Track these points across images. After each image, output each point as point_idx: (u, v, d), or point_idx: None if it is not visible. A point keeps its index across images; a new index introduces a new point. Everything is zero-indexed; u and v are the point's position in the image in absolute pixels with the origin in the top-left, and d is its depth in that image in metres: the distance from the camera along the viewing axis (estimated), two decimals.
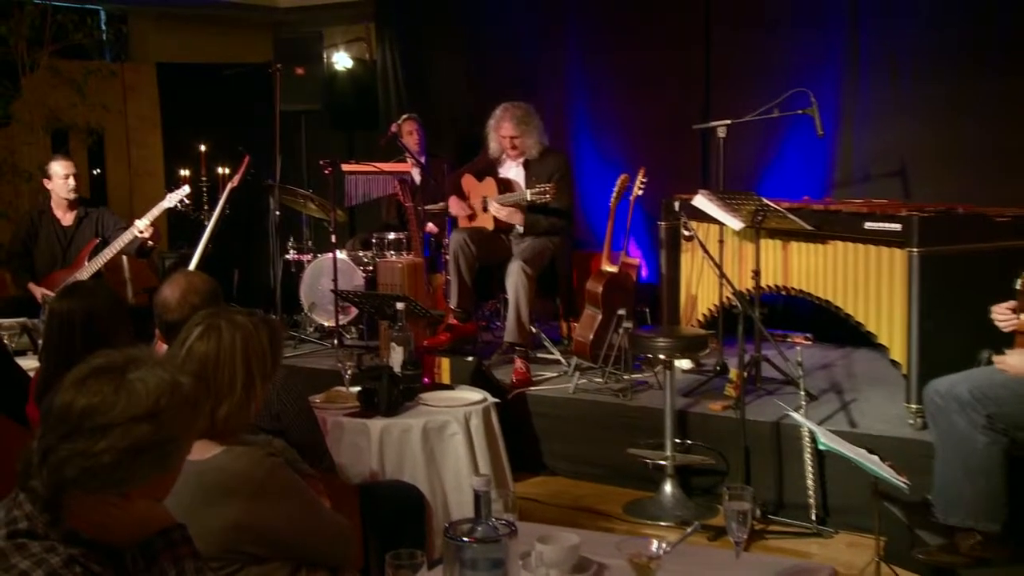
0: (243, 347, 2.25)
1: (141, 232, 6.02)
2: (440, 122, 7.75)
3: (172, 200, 6.22)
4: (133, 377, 1.57)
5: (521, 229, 5.78)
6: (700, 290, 5.66)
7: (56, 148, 7.94)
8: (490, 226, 5.88)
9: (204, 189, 6.92)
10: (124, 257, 6.31)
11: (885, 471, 3.01)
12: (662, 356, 4.42)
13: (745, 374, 4.73)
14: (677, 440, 4.48)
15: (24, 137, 7.85)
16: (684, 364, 5.35)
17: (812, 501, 4.17)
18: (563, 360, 5.63)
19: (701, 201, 4.96)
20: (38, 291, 5.99)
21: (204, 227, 6.43)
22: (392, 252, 6.37)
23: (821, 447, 3.17)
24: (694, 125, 5.75)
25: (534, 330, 5.69)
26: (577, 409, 5.06)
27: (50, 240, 6.23)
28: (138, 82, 8.75)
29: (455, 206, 6.03)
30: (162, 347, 3.10)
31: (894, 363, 4.55)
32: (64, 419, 1.54)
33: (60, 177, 6.14)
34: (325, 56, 8.18)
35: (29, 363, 3.95)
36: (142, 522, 1.64)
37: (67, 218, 6.27)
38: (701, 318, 5.66)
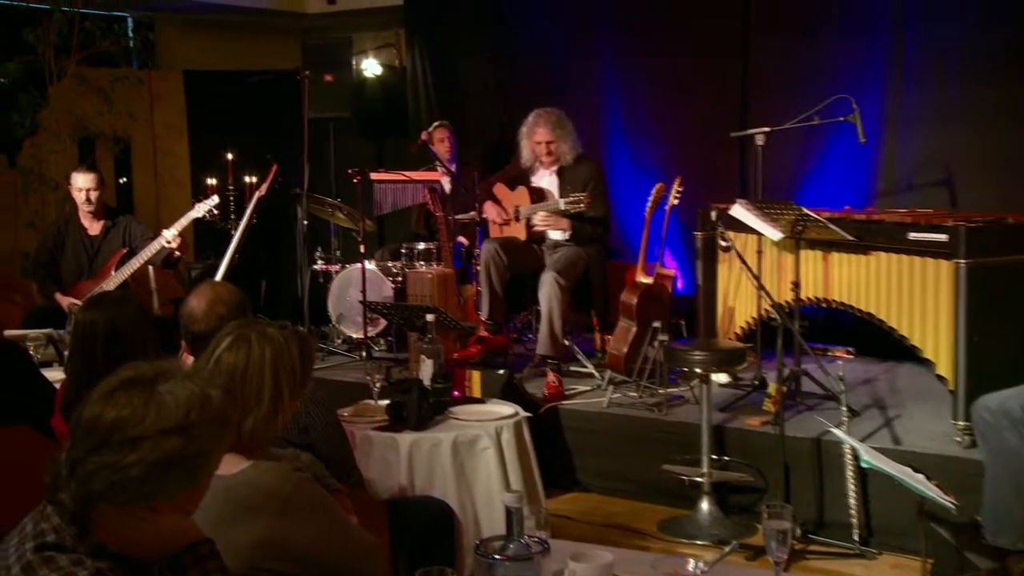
0: (272, 360, 2.26)
1: (169, 243, 6.07)
2: (470, 130, 7.77)
3: (201, 210, 6.27)
4: (163, 389, 1.58)
5: (566, 236, 5.76)
6: (738, 302, 5.63)
7: (83, 157, 8.04)
8: (522, 236, 5.89)
9: (231, 198, 6.98)
10: (150, 267, 6.37)
11: (931, 490, 2.97)
12: (698, 370, 4.40)
13: (784, 389, 4.70)
14: (714, 456, 4.46)
15: (51, 146, 7.95)
16: (721, 378, 5.32)
17: (855, 521, 4.13)
18: (597, 373, 5.62)
19: (739, 211, 4.94)
20: (64, 301, 6.05)
21: (231, 237, 6.48)
22: (422, 262, 6.39)
23: (864, 465, 3.14)
24: (731, 133, 5.73)
25: (567, 343, 5.68)
26: (611, 424, 5.04)
27: (76, 249, 6.29)
28: (165, 90, 8.85)
29: (490, 210, 6.03)
30: (188, 358, 3.13)
31: (940, 378, 4.50)
32: (93, 431, 1.55)
33: (76, 189, 6.21)
34: (354, 63, 8.23)
35: (55, 374, 3.99)
36: (170, 536, 1.66)
37: (94, 227, 6.33)
38: (739, 331, 5.63)
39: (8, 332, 5.08)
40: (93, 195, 6.20)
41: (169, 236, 6.06)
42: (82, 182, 6.20)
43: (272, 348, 2.27)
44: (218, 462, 1.66)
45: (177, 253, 6.18)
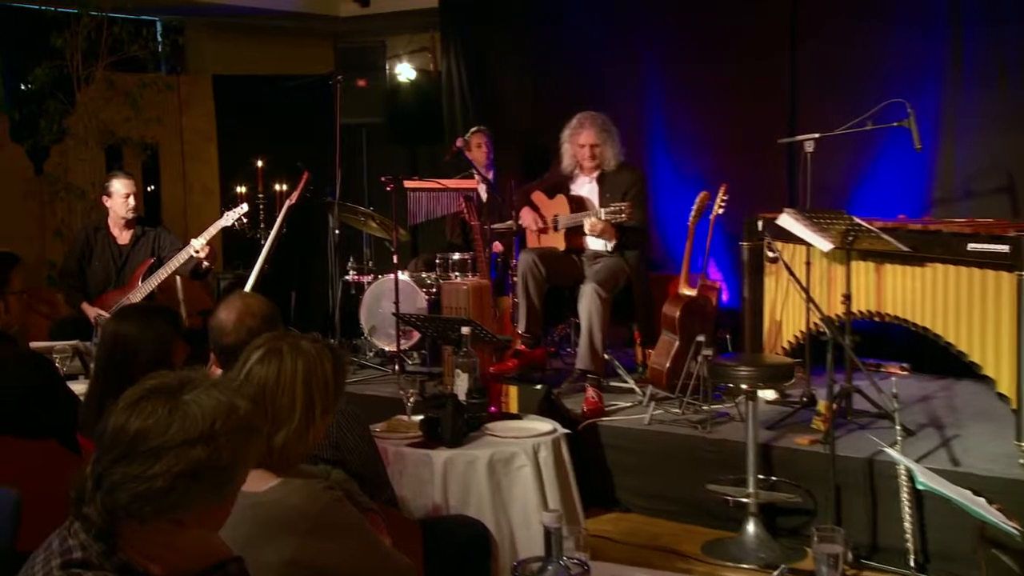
0: (305, 374, 2.27)
1: (197, 252, 6.13)
2: (507, 136, 7.78)
3: (230, 219, 6.33)
4: (188, 399, 1.59)
5: (609, 246, 5.74)
6: (785, 315, 5.59)
7: (110, 164, 8.14)
8: (561, 246, 5.88)
9: (261, 207, 7.03)
10: (178, 278, 6.44)
11: (993, 515, 2.93)
12: (744, 386, 4.37)
13: (835, 406, 4.65)
14: (761, 476, 4.42)
15: (78, 153, 8.06)
16: (768, 395, 5.29)
17: (910, 546, 4.07)
18: (638, 389, 5.60)
19: (787, 220, 4.91)
20: (91, 311, 6.11)
21: (261, 247, 6.53)
22: (457, 273, 6.40)
23: (920, 487, 3.10)
24: (779, 139, 5.70)
25: (607, 357, 5.66)
26: (653, 442, 5.02)
27: (104, 258, 6.36)
28: (194, 95, 8.95)
29: (527, 217, 6.03)
30: (216, 371, 3.15)
31: (1001, 397, 4.44)
32: (117, 442, 1.57)
33: (120, 196, 6.28)
34: (388, 67, 8.28)
35: (81, 387, 4.02)
36: (198, 554, 1.66)
37: (123, 236, 6.40)
38: (786, 345, 5.59)
39: (34, 344, 5.15)
40: (135, 200, 6.32)
41: (197, 246, 6.12)
42: (124, 187, 6.30)
43: (305, 362, 2.28)
44: (245, 475, 1.67)
45: (206, 263, 6.24)
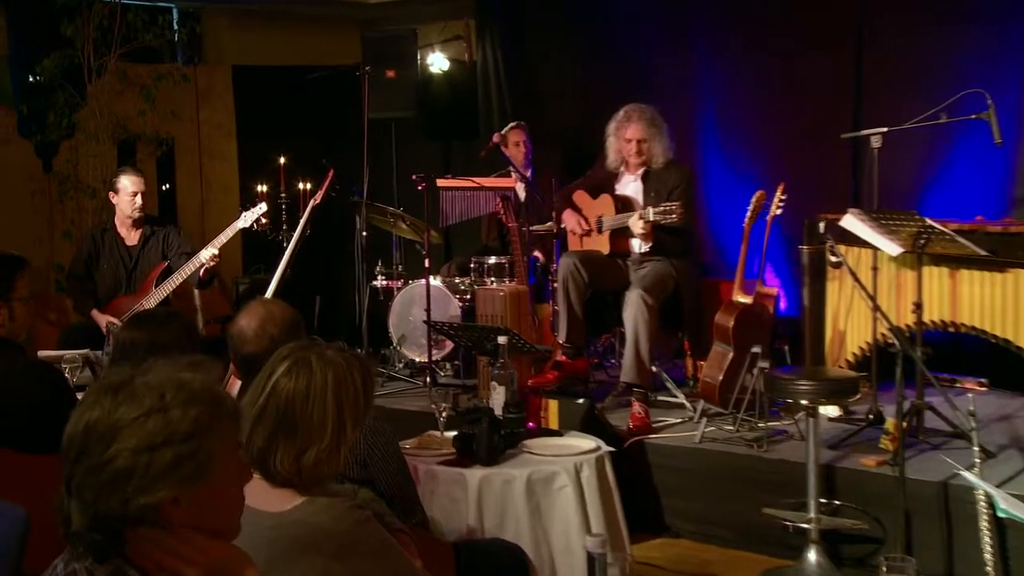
0: (335, 386, 2.28)
1: (204, 264, 6.16)
2: (547, 132, 7.78)
3: (247, 219, 6.36)
4: (137, 382, 1.64)
5: (646, 248, 5.73)
6: (849, 325, 5.55)
7: (122, 160, 8.21)
8: (605, 249, 5.87)
9: (283, 206, 7.06)
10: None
11: None
12: (804, 401, 4.33)
13: (905, 424, 4.61)
14: (823, 500, 4.39)
15: (89, 148, 8.14)
16: (830, 411, 5.26)
17: None
18: (688, 404, 5.58)
19: (851, 222, 4.88)
20: (102, 319, 6.16)
21: (283, 249, 6.56)
22: (493, 279, 6.41)
23: (1000, 514, 3.06)
24: (843, 134, 5.67)
25: (655, 369, 5.64)
26: (704, 461, 5.00)
27: (113, 261, 6.41)
28: (212, 87, 9.02)
29: (569, 220, 6.02)
30: (236, 383, 3.17)
31: None
32: (72, 444, 1.62)
33: (127, 193, 6.33)
34: (419, 57, 8.30)
35: None
36: (220, 572, 1.67)
37: (132, 237, 6.44)
38: (851, 358, 5.55)
39: (42, 353, 5.20)
40: (143, 199, 6.37)
41: (205, 257, 6.15)
42: (132, 185, 6.34)
43: (334, 373, 2.29)
44: (223, 461, 1.68)
45: (206, 270, 6.24)
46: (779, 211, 5.50)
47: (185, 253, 6.33)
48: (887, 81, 6.44)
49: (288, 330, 3.01)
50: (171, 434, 1.60)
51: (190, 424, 1.62)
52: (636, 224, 5.57)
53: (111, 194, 6.44)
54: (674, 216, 5.42)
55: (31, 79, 8.09)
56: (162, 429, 1.60)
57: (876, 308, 4.75)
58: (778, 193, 5.50)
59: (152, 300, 6.19)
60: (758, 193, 5.54)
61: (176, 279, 6.23)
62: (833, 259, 5.36)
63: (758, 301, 5.52)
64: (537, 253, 6.77)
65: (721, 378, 5.38)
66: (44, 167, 8.30)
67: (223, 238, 6.29)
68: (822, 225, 5.44)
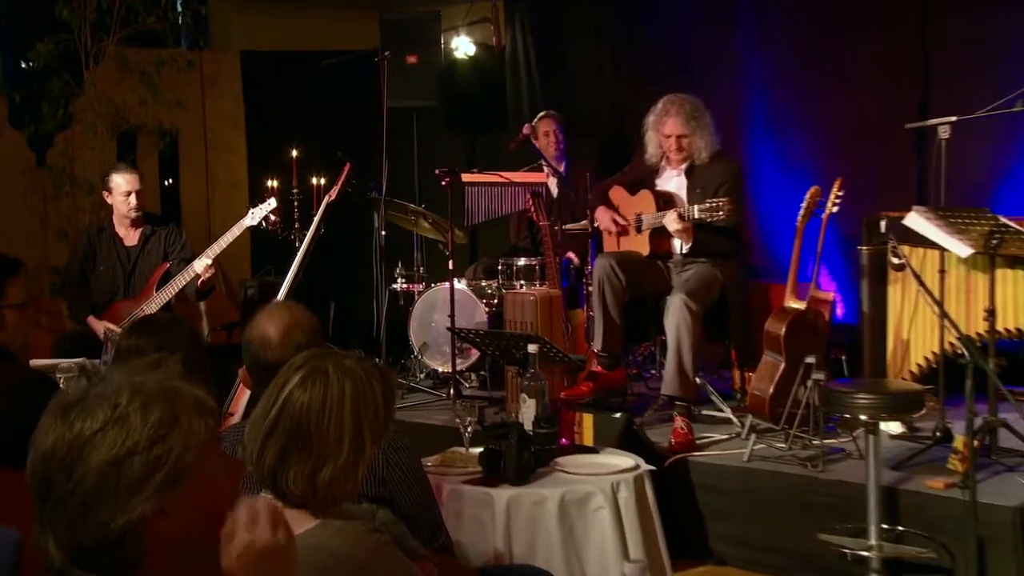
0: (353, 398, 2.27)
1: (199, 275, 6.18)
2: (581, 122, 7.78)
3: (254, 217, 6.38)
4: (90, 397, 1.62)
5: (685, 249, 5.71)
6: (914, 333, 5.52)
7: (123, 154, 8.26)
8: (644, 250, 5.86)
9: (295, 203, 7.07)
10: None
11: None
12: (864, 417, 4.32)
13: (976, 443, 4.57)
14: (885, 526, 4.36)
15: (86, 141, 8.20)
16: (893, 428, 5.23)
17: None
18: (735, 419, 5.57)
19: (916, 220, 4.84)
20: (99, 325, 6.20)
21: (294, 250, 6.58)
22: (522, 281, 6.41)
23: None
24: (907, 123, 5.63)
25: (699, 381, 5.63)
26: (753, 482, 4.98)
27: (110, 263, 6.44)
28: (219, 74, 9.06)
29: (603, 216, 6.01)
30: (243, 394, 3.18)
31: None
32: (34, 479, 1.61)
33: (121, 192, 6.35)
34: (443, 41, 8.32)
35: None
36: None
37: (131, 237, 6.48)
38: (915, 369, 5.51)
39: (35, 362, 5.23)
40: (138, 198, 6.37)
41: (199, 268, 6.17)
42: (126, 183, 6.36)
43: (352, 384, 2.28)
44: (199, 455, 1.65)
45: (203, 281, 6.26)
46: (835, 208, 5.47)
47: (184, 259, 6.35)
48: (956, 64, 6.41)
49: (313, 339, 3.04)
50: (134, 444, 1.58)
51: (152, 428, 1.60)
52: (672, 221, 5.56)
53: (105, 193, 6.47)
54: (722, 213, 5.40)
55: (23, 65, 8.15)
56: (123, 440, 1.58)
57: (943, 315, 4.71)
58: (834, 189, 5.47)
59: (153, 305, 6.22)
60: (812, 189, 5.50)
61: (172, 287, 6.26)
62: (895, 261, 5.33)
63: (812, 307, 5.49)
64: (570, 254, 6.76)
65: (772, 391, 5.35)
66: (37, 160, 8.36)
67: (223, 243, 6.29)
68: (883, 224, 5.42)
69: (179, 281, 6.25)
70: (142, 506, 1.58)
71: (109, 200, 6.43)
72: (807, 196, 5.50)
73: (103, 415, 1.59)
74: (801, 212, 5.49)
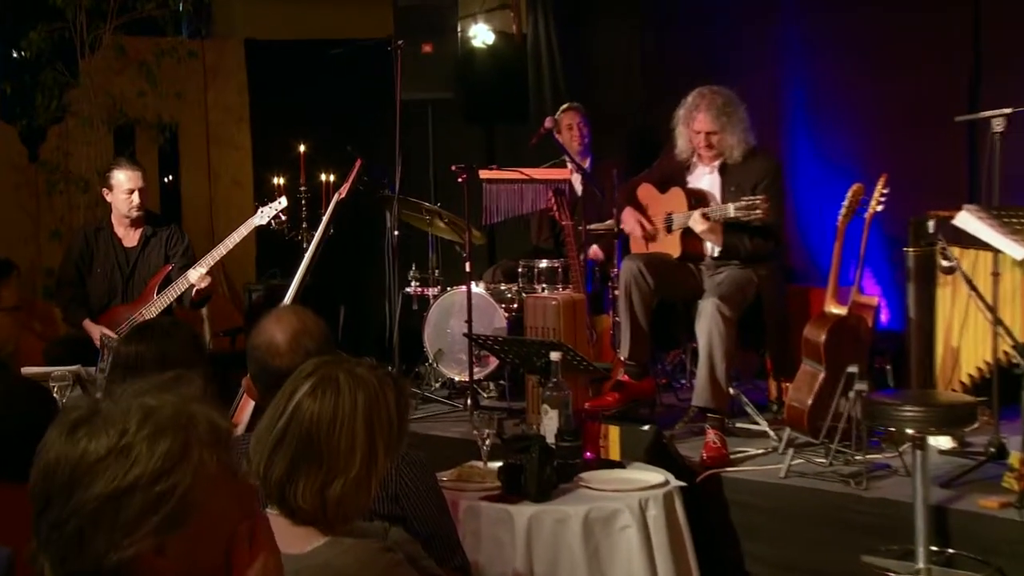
0: (366, 408, 2.28)
1: (194, 285, 6.19)
2: (608, 115, 7.78)
3: (264, 216, 6.41)
4: (98, 415, 1.61)
5: (716, 251, 5.71)
6: (964, 341, 5.49)
7: (119, 148, 8.30)
8: (675, 252, 5.85)
9: (303, 202, 7.09)
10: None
11: None
12: (911, 431, 4.30)
13: None
14: (934, 548, 4.34)
15: (81, 135, 8.24)
16: (942, 443, 5.20)
17: None
18: (772, 433, 5.55)
19: (967, 219, 4.83)
20: (96, 330, 6.22)
21: (302, 251, 6.59)
22: (544, 285, 6.41)
23: None
24: (957, 116, 5.62)
25: (733, 391, 5.62)
26: (791, 499, 4.96)
27: (108, 265, 6.47)
28: (222, 64, 9.10)
29: (629, 219, 6.02)
30: (248, 404, 3.19)
31: None
32: (34, 494, 1.60)
33: (123, 190, 6.37)
34: (460, 29, 8.33)
35: None
36: None
37: (131, 237, 6.50)
38: (966, 380, 5.48)
39: (26, 369, 5.25)
40: (141, 196, 6.39)
41: (194, 278, 6.19)
42: (129, 180, 6.37)
43: (365, 393, 2.29)
44: (209, 493, 1.63)
45: (198, 291, 6.29)
46: (880, 207, 5.45)
47: (186, 265, 6.37)
48: (1011, 51, 6.38)
49: (323, 345, 3.05)
50: (137, 477, 1.57)
51: (159, 461, 1.58)
52: (697, 222, 5.56)
53: (104, 191, 6.48)
54: (759, 212, 5.39)
55: (15, 54, 8.19)
56: (126, 472, 1.56)
57: (997, 321, 4.69)
58: (879, 186, 5.45)
59: (153, 309, 6.24)
60: (855, 186, 5.49)
61: (170, 293, 6.28)
62: (945, 263, 5.31)
63: (855, 312, 5.48)
64: (596, 255, 6.76)
65: (811, 402, 5.34)
66: (30, 156, 8.40)
67: (229, 243, 6.32)
68: (932, 224, 5.41)
69: (175, 290, 6.27)
70: (138, 544, 1.57)
71: (109, 198, 6.45)
72: (849, 194, 5.48)
73: (108, 441, 1.57)
74: (843, 211, 5.48)
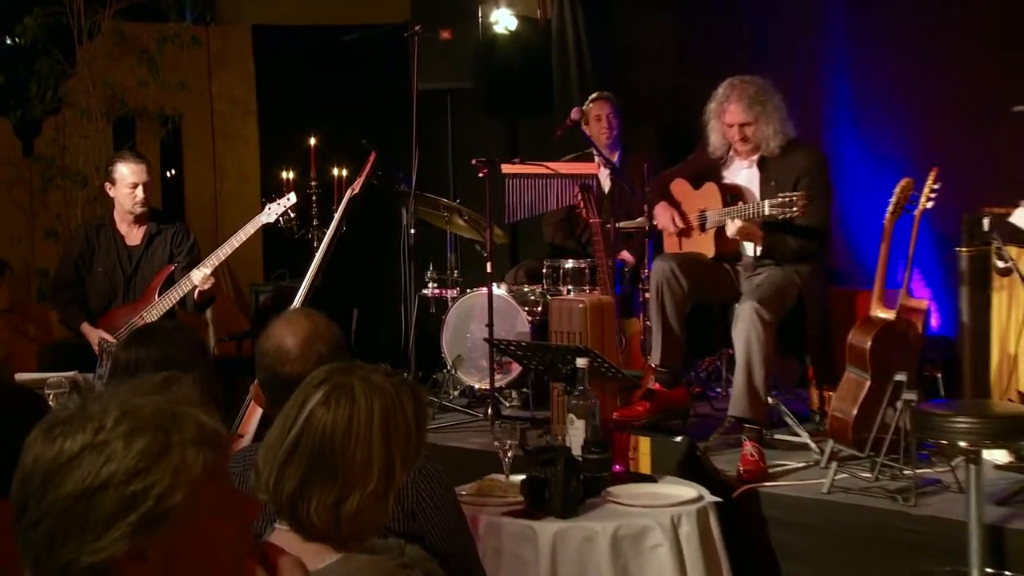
0: (382, 418, 2.28)
1: (197, 287, 6.21)
2: (638, 106, 7.78)
3: (272, 214, 6.42)
4: (79, 415, 1.62)
5: (756, 251, 5.70)
6: (1021, 347, 5.49)
7: (119, 141, 8.33)
8: (709, 252, 5.85)
9: (313, 198, 7.12)
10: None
11: None
12: (964, 444, 4.29)
13: None
14: (989, 569, 4.33)
15: (78, 128, 8.27)
16: (998, 457, 5.19)
17: None
18: (813, 445, 5.55)
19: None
20: (94, 334, 6.24)
21: (312, 251, 6.61)
22: (570, 287, 6.41)
23: None
24: (1014, 106, 5.60)
25: (772, 401, 5.62)
26: (834, 517, 4.96)
27: (110, 264, 6.49)
28: (228, 52, 9.13)
29: (662, 214, 6.01)
30: (255, 412, 3.20)
31: None
32: (13, 499, 1.61)
33: (126, 184, 6.38)
34: (481, 15, 8.33)
35: None
36: None
37: (134, 235, 6.52)
38: (1023, 390, 5.47)
39: (21, 376, 5.29)
40: (145, 191, 6.41)
41: (197, 279, 6.20)
42: (133, 174, 6.39)
43: (382, 402, 2.29)
44: (194, 494, 1.62)
45: (199, 292, 6.30)
46: (930, 204, 5.44)
47: (191, 265, 6.39)
48: None
49: (335, 351, 3.05)
50: (110, 475, 1.56)
51: (134, 459, 1.58)
52: (732, 224, 5.55)
53: (107, 185, 6.50)
54: (796, 209, 5.38)
55: (8, 42, 8.23)
56: (98, 469, 1.56)
57: None
58: (929, 181, 5.44)
59: (155, 312, 6.25)
60: (904, 181, 5.48)
61: (173, 295, 6.31)
62: (1000, 264, 5.30)
63: (903, 317, 5.46)
64: (625, 255, 6.75)
65: (855, 413, 5.32)
66: (24, 150, 8.44)
67: (234, 243, 6.33)
68: (986, 221, 5.40)
69: (177, 292, 6.29)
70: (112, 547, 1.57)
71: (111, 193, 6.46)
72: (897, 189, 5.47)
73: (83, 439, 1.58)
74: (890, 208, 5.46)
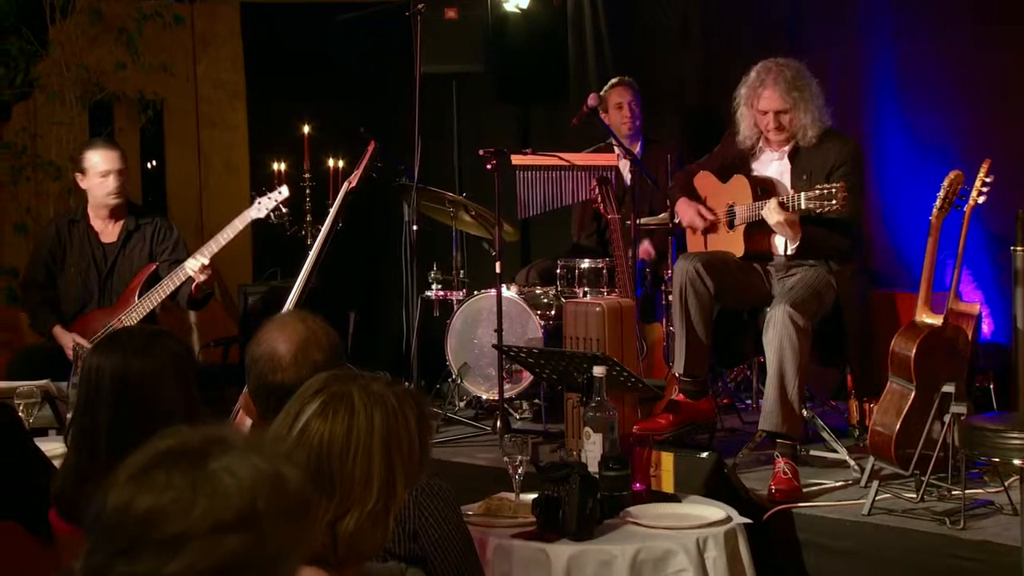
0: (383, 431, 2.28)
1: (192, 278, 6.20)
2: (661, 92, 7.78)
3: (262, 209, 6.42)
4: (217, 467, 1.60)
5: (789, 250, 5.69)
6: None
7: (96, 129, 8.34)
8: (738, 250, 5.84)
9: (307, 191, 7.12)
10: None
11: None
12: (1018, 462, 4.29)
13: None
14: None
15: (51, 114, 8.29)
16: None
17: None
18: (852, 462, 5.54)
19: None
20: (68, 338, 6.25)
21: (306, 249, 6.62)
22: (586, 288, 6.41)
23: None
24: None
25: (807, 413, 5.61)
26: (875, 540, 4.95)
27: (84, 262, 6.49)
28: (214, 31, 9.14)
29: (685, 210, 6.00)
30: (245, 420, 3.21)
31: None
32: (120, 527, 1.58)
33: (97, 173, 6.38)
34: None
35: (53, 446, 4.14)
36: None
37: (110, 231, 6.52)
38: None
39: None
40: (119, 181, 6.40)
41: (192, 269, 6.20)
42: (104, 162, 6.39)
43: (382, 413, 2.30)
44: (294, 573, 1.68)
45: (200, 286, 6.30)
46: (982, 199, 5.43)
47: (176, 261, 6.38)
48: None
49: (333, 358, 3.06)
50: (253, 557, 1.58)
51: (276, 545, 1.61)
52: (773, 211, 5.52)
53: (77, 175, 6.50)
54: (835, 203, 5.36)
55: None
56: (243, 550, 1.57)
57: None
58: (980, 174, 5.43)
59: (134, 315, 6.26)
60: (952, 174, 5.47)
61: (158, 293, 6.30)
62: None
63: (951, 322, 5.46)
64: (647, 254, 6.75)
65: (899, 427, 5.32)
66: None
67: (221, 240, 6.33)
68: None
69: (168, 285, 6.28)
70: None
71: (83, 184, 6.46)
72: (946, 183, 5.46)
73: (236, 508, 1.58)
74: (938, 203, 5.45)
